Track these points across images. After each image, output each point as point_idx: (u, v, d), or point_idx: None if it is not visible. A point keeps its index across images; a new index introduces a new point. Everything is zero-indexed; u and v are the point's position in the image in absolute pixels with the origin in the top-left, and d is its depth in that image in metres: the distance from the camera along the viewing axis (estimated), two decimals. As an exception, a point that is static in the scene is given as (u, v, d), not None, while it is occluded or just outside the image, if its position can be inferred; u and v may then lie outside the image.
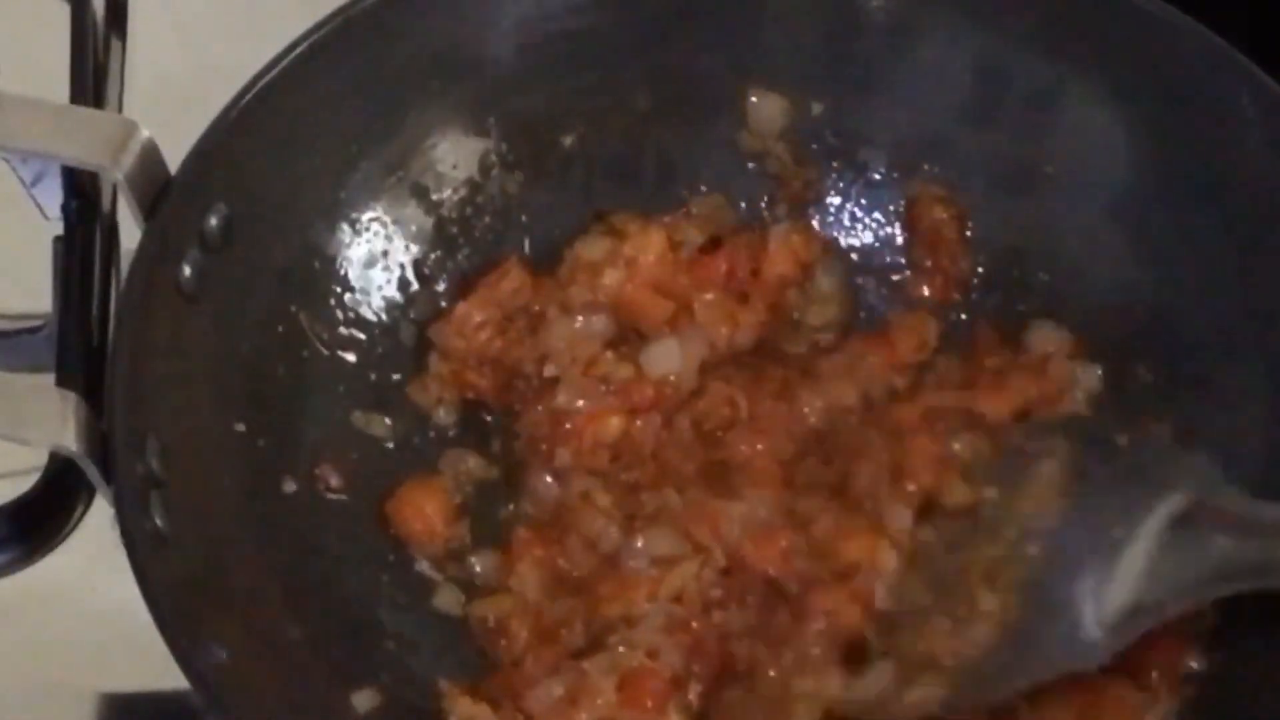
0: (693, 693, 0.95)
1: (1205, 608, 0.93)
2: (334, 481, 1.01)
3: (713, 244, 1.07)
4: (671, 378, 1.03)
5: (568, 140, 1.08)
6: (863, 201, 1.09)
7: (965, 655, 0.92)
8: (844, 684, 0.95)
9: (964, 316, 1.07)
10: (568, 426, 1.02)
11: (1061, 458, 0.96)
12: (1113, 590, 0.89)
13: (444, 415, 1.05)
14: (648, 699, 0.95)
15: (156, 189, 0.94)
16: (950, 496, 0.98)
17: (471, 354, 1.05)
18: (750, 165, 1.09)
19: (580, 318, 1.04)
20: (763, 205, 1.10)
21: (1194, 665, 0.95)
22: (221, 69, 1.00)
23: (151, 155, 0.93)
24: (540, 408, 1.04)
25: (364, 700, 0.95)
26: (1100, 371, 1.03)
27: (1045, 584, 0.92)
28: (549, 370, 1.04)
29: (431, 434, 1.05)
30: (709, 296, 1.05)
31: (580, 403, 1.03)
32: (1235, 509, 0.89)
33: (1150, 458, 0.95)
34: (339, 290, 1.04)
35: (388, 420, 1.04)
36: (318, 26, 1.01)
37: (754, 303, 1.06)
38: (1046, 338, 1.04)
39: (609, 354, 1.04)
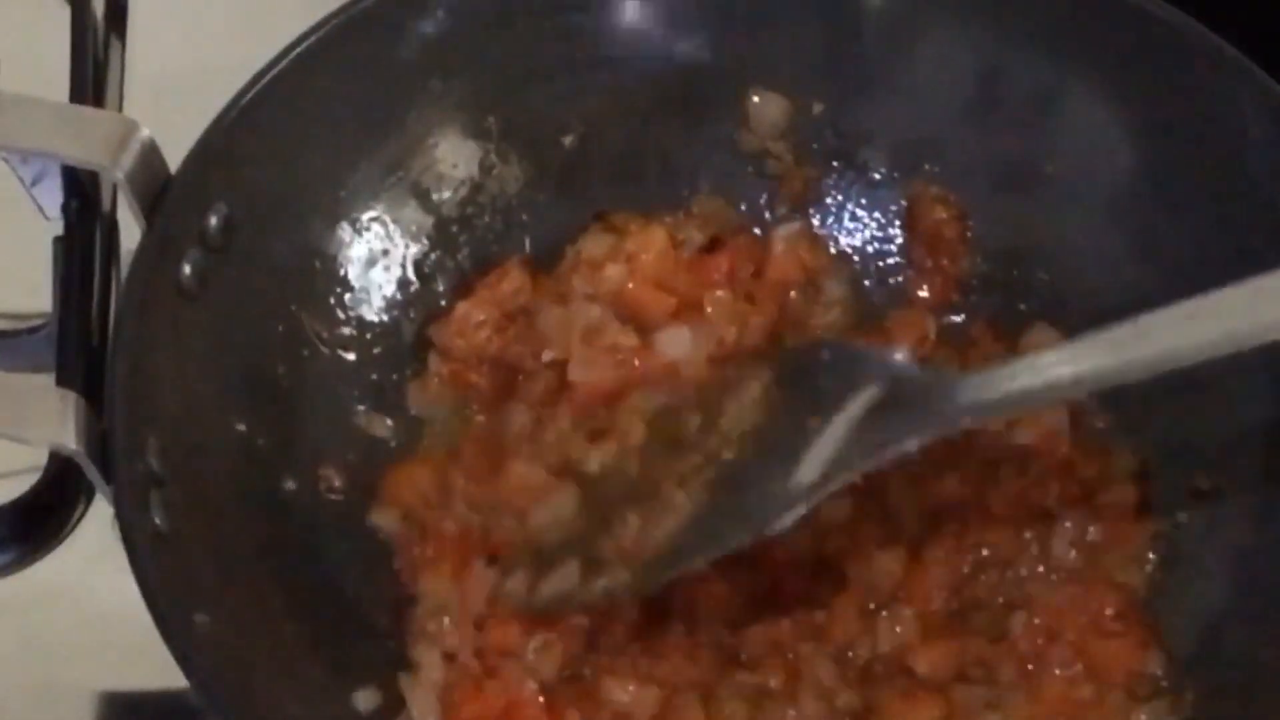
0: None
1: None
2: (337, 483, 1.01)
3: (713, 244, 1.08)
4: (680, 364, 1.03)
5: (568, 140, 1.08)
6: (863, 201, 1.09)
7: (652, 546, 0.95)
8: (529, 587, 0.96)
9: (964, 317, 1.07)
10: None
11: (764, 380, 0.97)
12: (804, 469, 0.92)
13: (444, 415, 1.05)
14: None
15: (157, 188, 0.94)
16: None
17: (472, 353, 1.05)
18: (750, 165, 1.09)
19: (575, 305, 1.04)
20: (763, 205, 1.10)
21: (1157, 671, 0.96)
22: (221, 69, 1.00)
23: (152, 154, 0.93)
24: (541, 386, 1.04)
25: (366, 699, 0.95)
26: None
27: (736, 475, 0.95)
28: (547, 355, 1.03)
29: (432, 434, 1.05)
30: (720, 294, 1.05)
31: (591, 374, 1.02)
32: (927, 375, 0.94)
33: (847, 357, 0.97)
34: (339, 290, 1.04)
35: (389, 420, 1.04)
36: (318, 26, 1.01)
37: (762, 304, 1.06)
38: (1041, 339, 1.04)
39: (614, 324, 1.04)
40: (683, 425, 0.98)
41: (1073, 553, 0.99)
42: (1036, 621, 0.97)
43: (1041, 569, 0.99)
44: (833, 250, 1.09)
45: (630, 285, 1.05)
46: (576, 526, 0.98)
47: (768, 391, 0.97)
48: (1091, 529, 1.00)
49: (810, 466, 0.92)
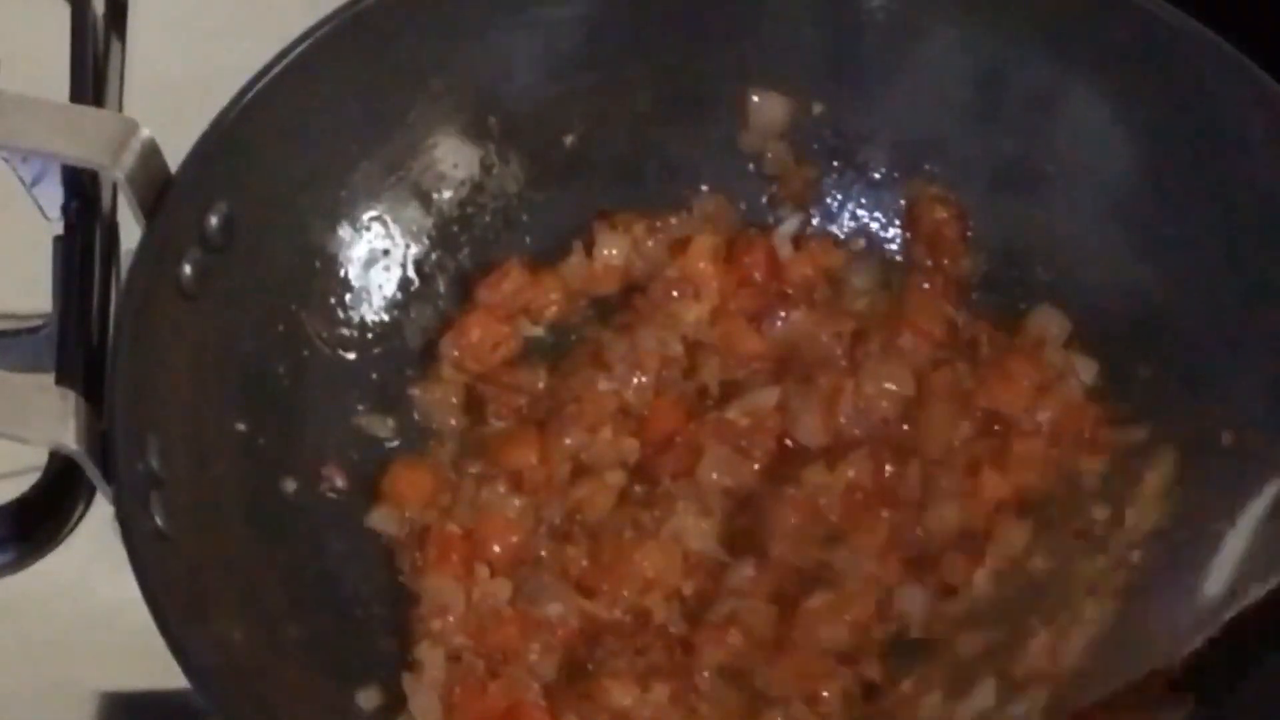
0: None
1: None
2: (337, 482, 1.01)
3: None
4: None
5: (568, 140, 1.08)
6: (863, 201, 1.09)
7: (1066, 664, 0.91)
8: (945, 706, 0.93)
9: (964, 316, 1.07)
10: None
11: (1166, 465, 0.96)
12: (1212, 579, 0.88)
13: (449, 416, 1.05)
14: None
15: (157, 188, 0.94)
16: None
17: (487, 374, 1.05)
18: (751, 165, 1.09)
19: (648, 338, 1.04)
20: (763, 205, 1.10)
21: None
22: (221, 69, 1.00)
23: (152, 154, 0.93)
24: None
25: (369, 698, 0.95)
26: (1097, 366, 1.03)
27: (1148, 586, 0.91)
28: (604, 385, 1.03)
29: (435, 434, 1.05)
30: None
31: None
32: None
33: (1250, 450, 0.94)
34: (340, 289, 1.04)
35: (389, 420, 1.04)
36: (318, 26, 1.01)
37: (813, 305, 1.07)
38: (1045, 321, 1.04)
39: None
40: (1086, 517, 0.96)
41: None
42: None
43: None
44: (861, 252, 1.09)
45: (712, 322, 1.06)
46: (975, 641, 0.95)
47: (1169, 480, 0.94)
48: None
49: (1219, 577, 0.88)
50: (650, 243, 1.07)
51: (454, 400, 1.04)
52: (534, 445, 1.02)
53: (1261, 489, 0.90)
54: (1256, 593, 0.87)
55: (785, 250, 1.08)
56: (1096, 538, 0.95)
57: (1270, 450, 0.93)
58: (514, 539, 0.99)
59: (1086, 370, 1.03)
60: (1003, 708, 0.92)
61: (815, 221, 1.09)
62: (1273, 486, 0.90)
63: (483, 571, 0.98)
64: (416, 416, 1.04)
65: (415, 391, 1.05)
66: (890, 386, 1.02)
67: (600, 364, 1.04)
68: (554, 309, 1.07)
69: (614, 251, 1.07)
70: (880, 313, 1.06)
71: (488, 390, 1.04)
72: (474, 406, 1.05)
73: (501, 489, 1.00)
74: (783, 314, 1.05)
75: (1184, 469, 0.95)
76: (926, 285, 1.07)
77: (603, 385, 1.03)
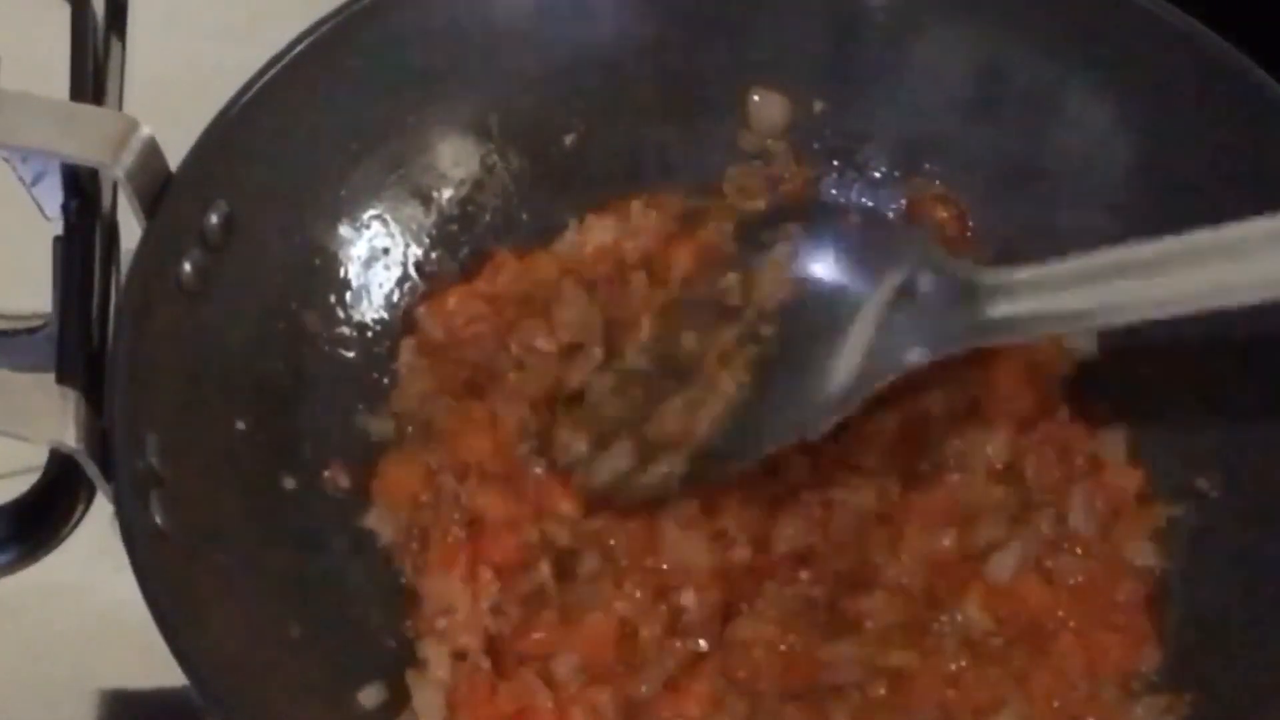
0: None
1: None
2: (337, 481, 1.01)
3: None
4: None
5: (568, 139, 1.08)
6: (863, 201, 1.09)
7: (699, 432, 0.96)
8: (586, 464, 0.98)
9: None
10: None
11: (795, 240, 0.98)
12: (840, 362, 0.93)
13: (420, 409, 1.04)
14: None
15: (157, 186, 0.94)
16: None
17: (450, 341, 1.04)
18: (751, 164, 1.09)
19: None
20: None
21: (1151, 669, 0.96)
22: (221, 68, 1.00)
23: (152, 152, 0.93)
24: None
25: (371, 696, 0.95)
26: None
27: (778, 360, 0.96)
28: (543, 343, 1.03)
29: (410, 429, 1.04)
30: None
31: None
32: (953, 273, 0.94)
33: (877, 234, 0.98)
34: (340, 288, 1.04)
35: (389, 420, 1.04)
36: (317, 26, 1.01)
37: None
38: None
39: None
40: (719, 291, 0.99)
41: (1088, 524, 0.99)
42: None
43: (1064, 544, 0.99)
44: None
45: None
46: (621, 405, 0.99)
47: (799, 255, 0.97)
48: (1100, 502, 1.00)
49: (841, 374, 0.93)
50: (642, 220, 1.07)
51: (431, 388, 1.04)
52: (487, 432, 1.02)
53: (883, 276, 0.94)
54: (882, 380, 0.93)
55: None
56: (727, 307, 0.99)
57: (895, 234, 0.99)
58: (512, 541, 0.99)
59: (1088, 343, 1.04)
60: (639, 469, 0.97)
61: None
62: (893, 278, 0.93)
63: (486, 574, 0.98)
64: (398, 408, 1.04)
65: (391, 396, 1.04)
66: None
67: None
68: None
69: (603, 230, 1.07)
70: None
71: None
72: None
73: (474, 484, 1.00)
74: None
75: (810, 245, 0.98)
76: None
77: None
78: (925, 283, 0.93)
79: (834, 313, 0.95)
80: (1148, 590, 0.98)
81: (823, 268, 0.97)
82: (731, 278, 1.00)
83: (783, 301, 0.98)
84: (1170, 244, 0.88)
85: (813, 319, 0.96)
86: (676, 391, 0.98)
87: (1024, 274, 0.93)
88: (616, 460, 0.98)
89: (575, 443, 0.99)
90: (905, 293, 0.93)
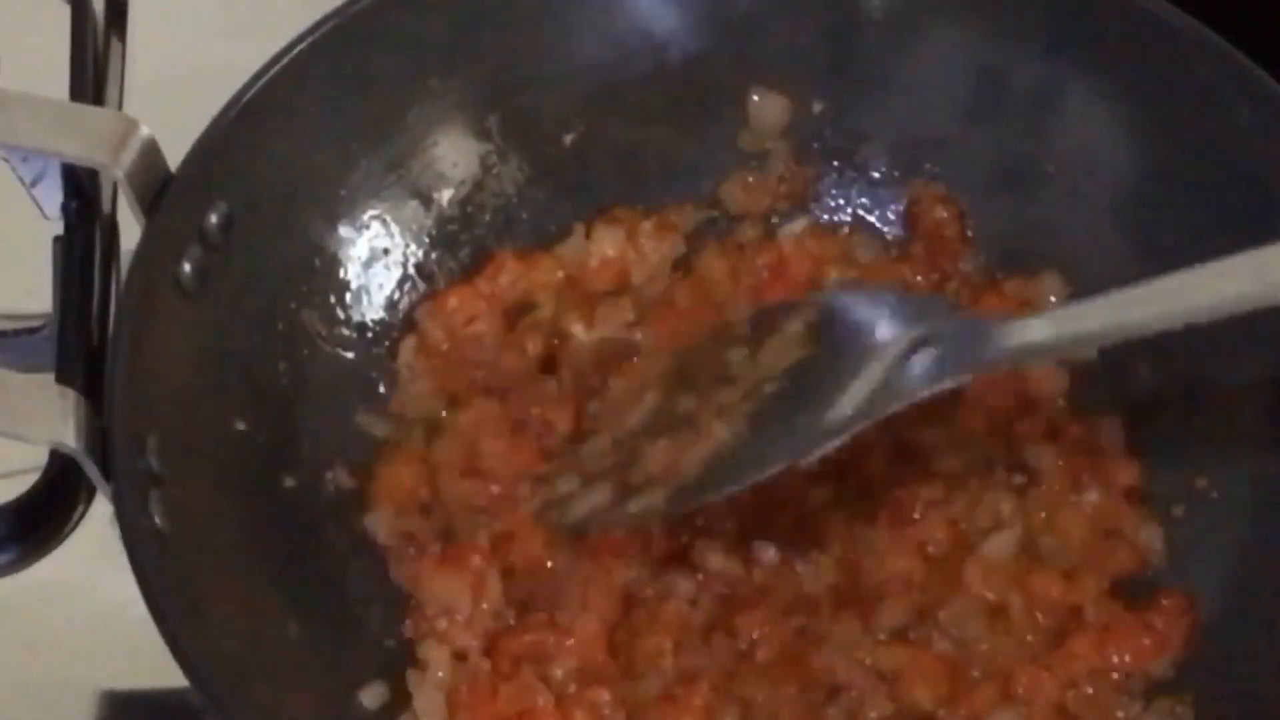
0: None
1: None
2: (337, 482, 1.01)
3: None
4: None
5: (568, 139, 1.08)
6: (863, 201, 1.10)
7: (686, 472, 0.96)
8: (562, 505, 0.98)
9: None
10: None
11: (808, 318, 0.98)
12: (844, 397, 0.93)
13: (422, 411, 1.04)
14: None
15: (157, 186, 0.94)
16: None
17: (453, 347, 1.04)
18: (751, 164, 1.09)
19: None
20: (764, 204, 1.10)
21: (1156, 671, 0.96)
22: (221, 68, 1.00)
23: (152, 152, 0.94)
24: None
25: (373, 696, 0.95)
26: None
27: (774, 407, 0.96)
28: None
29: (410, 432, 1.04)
30: None
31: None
32: (971, 318, 0.97)
33: (892, 304, 0.97)
34: (339, 288, 1.04)
35: (389, 420, 1.04)
36: (317, 25, 1.01)
37: None
38: (1051, 286, 1.06)
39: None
40: (727, 359, 0.99)
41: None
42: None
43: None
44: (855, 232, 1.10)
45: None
46: (613, 458, 0.99)
47: (811, 329, 0.97)
48: (1095, 494, 1.00)
49: (845, 404, 0.93)
50: (649, 243, 1.07)
51: (430, 388, 1.04)
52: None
53: (895, 339, 0.94)
54: (881, 414, 0.93)
55: (789, 246, 1.08)
56: (731, 376, 0.98)
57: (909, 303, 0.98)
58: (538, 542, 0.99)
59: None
60: (619, 504, 0.96)
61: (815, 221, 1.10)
62: (913, 332, 0.93)
63: (493, 576, 0.98)
64: (392, 409, 1.04)
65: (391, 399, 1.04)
66: None
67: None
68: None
69: (610, 244, 1.07)
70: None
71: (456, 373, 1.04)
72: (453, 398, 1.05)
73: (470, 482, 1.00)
74: None
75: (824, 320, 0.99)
76: None
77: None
78: (944, 331, 0.93)
79: (844, 365, 0.94)
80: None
81: (841, 329, 0.97)
82: (739, 352, 0.99)
83: (787, 366, 0.97)
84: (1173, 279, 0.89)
85: (821, 371, 0.95)
86: (666, 437, 0.98)
87: (1041, 318, 0.93)
88: (595, 497, 0.97)
89: (566, 484, 0.99)
90: (923, 342, 0.93)
